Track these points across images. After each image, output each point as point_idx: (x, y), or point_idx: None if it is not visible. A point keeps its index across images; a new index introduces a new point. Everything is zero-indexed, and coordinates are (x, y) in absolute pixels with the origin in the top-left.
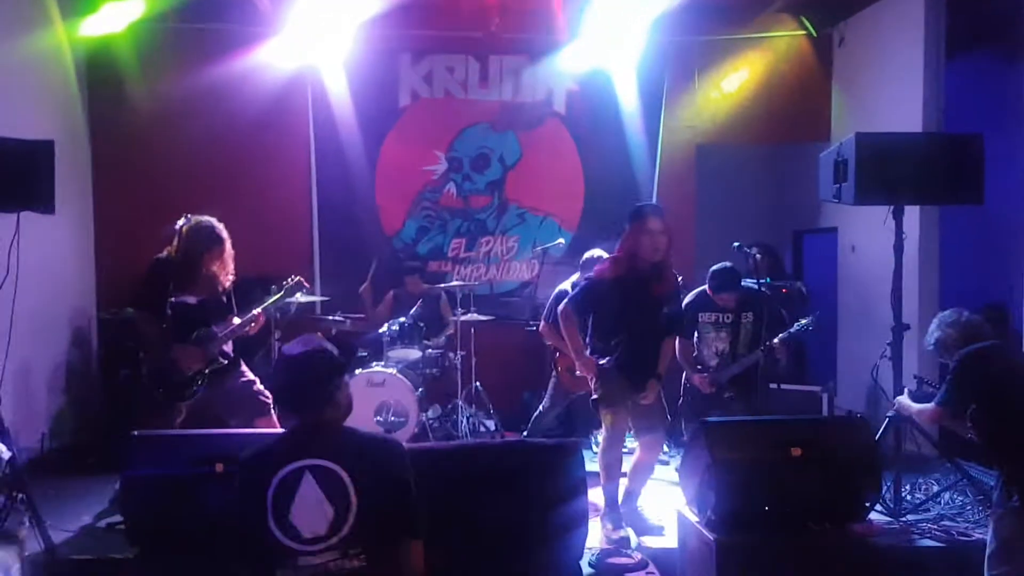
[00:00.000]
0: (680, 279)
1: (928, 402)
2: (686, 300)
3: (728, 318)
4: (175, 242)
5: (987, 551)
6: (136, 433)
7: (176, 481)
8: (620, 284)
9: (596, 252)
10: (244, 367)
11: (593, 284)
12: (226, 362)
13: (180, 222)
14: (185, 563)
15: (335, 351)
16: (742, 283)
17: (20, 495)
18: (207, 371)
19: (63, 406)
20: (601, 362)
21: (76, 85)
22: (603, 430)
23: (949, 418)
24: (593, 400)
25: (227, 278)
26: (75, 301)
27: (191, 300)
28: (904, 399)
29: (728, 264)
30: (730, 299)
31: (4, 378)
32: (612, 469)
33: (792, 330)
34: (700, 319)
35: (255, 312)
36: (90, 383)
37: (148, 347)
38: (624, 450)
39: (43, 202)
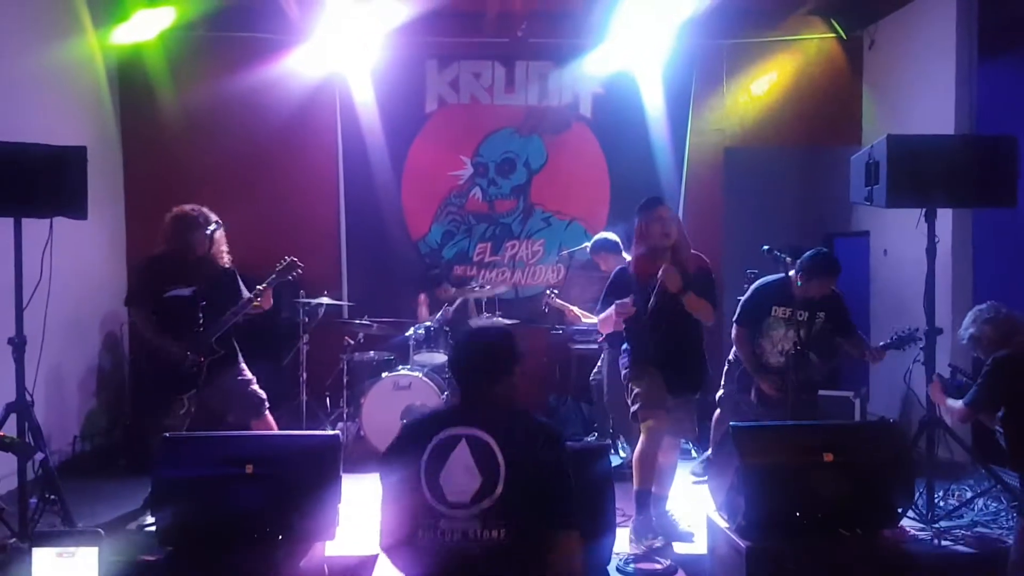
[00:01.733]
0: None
1: (960, 393)
2: (758, 284)
3: (802, 315)
4: (163, 233)
5: (1011, 558)
6: (167, 435)
7: (207, 482)
8: (643, 279)
9: (605, 235)
10: (243, 365)
11: (617, 277)
12: (223, 351)
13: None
14: (216, 563)
15: (515, 341)
16: (838, 274)
17: (52, 496)
18: (204, 363)
19: (94, 409)
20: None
21: (108, 92)
22: (641, 436)
23: (973, 419)
24: (633, 412)
25: (223, 259)
26: (107, 306)
27: (185, 292)
28: (938, 387)
29: (823, 249)
30: (822, 288)
31: (37, 381)
32: (647, 476)
33: (900, 335)
34: (773, 313)
35: (245, 300)
36: (121, 386)
37: (145, 344)
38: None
39: (76, 207)
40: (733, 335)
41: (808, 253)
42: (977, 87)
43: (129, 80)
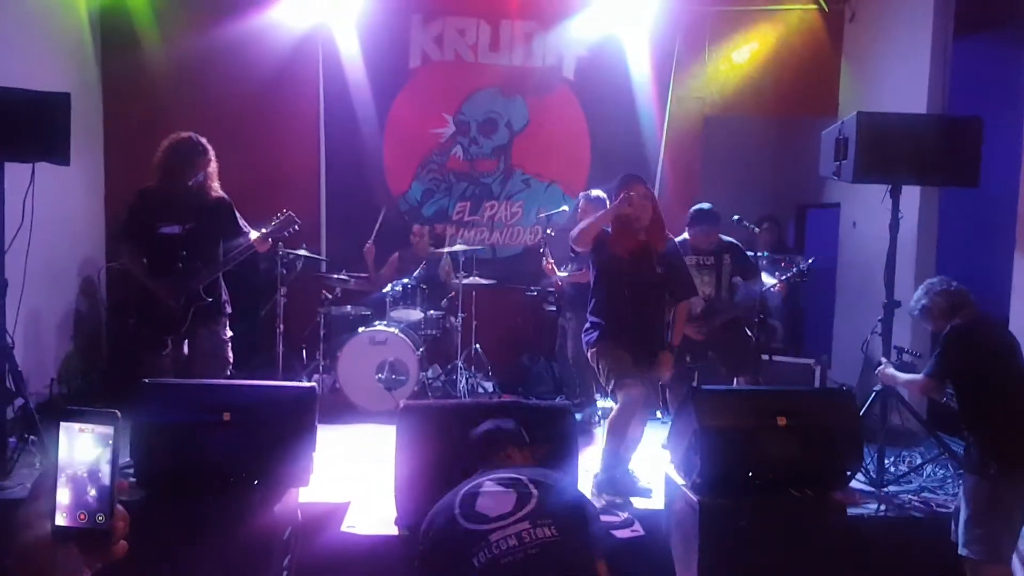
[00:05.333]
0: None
1: (909, 371)
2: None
3: (709, 260)
4: (156, 160)
5: (962, 517)
6: (147, 381)
7: (185, 428)
8: (619, 251)
9: (596, 192)
10: (226, 321)
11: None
12: (209, 300)
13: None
14: (193, 506)
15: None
16: (719, 223)
17: (31, 437)
18: (191, 308)
19: (71, 352)
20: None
21: (89, 38)
22: (618, 403)
23: (937, 389)
24: (610, 390)
25: (214, 191)
26: (85, 251)
27: (175, 230)
28: (888, 369)
29: (706, 204)
30: (707, 237)
31: (16, 324)
32: (617, 441)
33: (793, 271)
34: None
35: (241, 249)
36: (98, 331)
37: (133, 281)
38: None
39: (59, 153)
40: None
41: (693, 208)
42: (951, 66)
43: (111, 26)
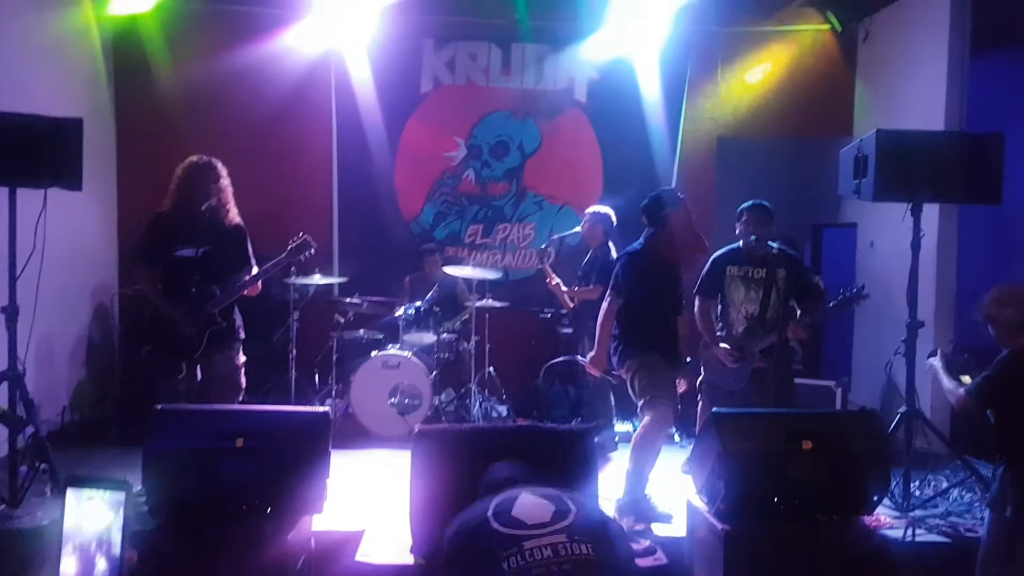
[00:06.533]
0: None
1: (961, 371)
2: (713, 254)
3: (760, 273)
4: (172, 185)
5: (981, 550)
6: (160, 407)
7: (197, 455)
8: (659, 263)
9: (604, 209)
10: (239, 346)
11: (636, 258)
12: (224, 324)
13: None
14: (205, 535)
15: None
16: (768, 215)
17: (43, 465)
18: (206, 332)
19: (84, 379)
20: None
21: (102, 64)
22: (647, 420)
23: (973, 409)
24: (640, 404)
25: (231, 215)
26: (98, 277)
27: (190, 253)
28: (937, 363)
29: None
30: (758, 226)
31: (28, 351)
32: (644, 460)
33: (848, 294)
34: (728, 272)
35: (257, 273)
36: (110, 358)
37: (148, 304)
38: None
39: (71, 179)
40: (695, 307)
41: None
42: (968, 83)
43: (124, 52)
